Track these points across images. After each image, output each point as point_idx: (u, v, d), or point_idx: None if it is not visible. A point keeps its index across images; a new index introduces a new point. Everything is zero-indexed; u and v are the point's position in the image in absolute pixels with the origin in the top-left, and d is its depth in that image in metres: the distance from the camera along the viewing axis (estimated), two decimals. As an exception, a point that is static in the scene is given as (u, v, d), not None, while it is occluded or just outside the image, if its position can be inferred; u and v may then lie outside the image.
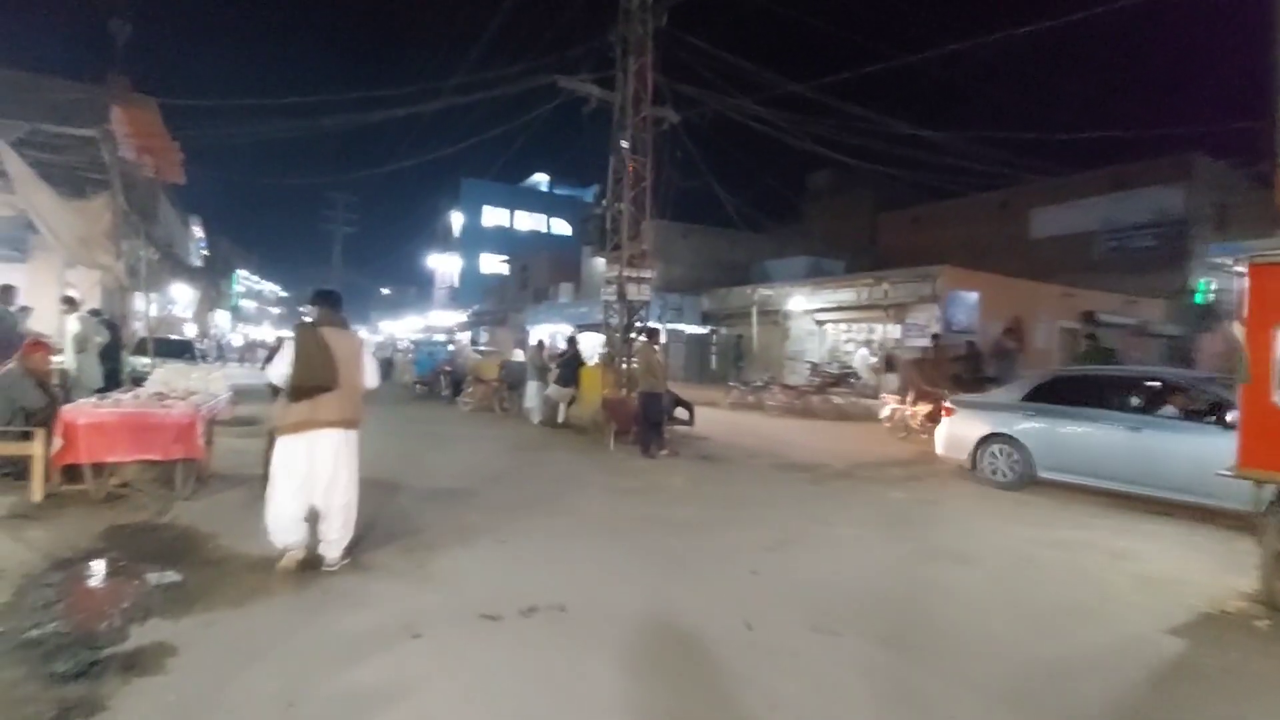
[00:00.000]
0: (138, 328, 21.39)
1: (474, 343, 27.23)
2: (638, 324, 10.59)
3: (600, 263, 23.80)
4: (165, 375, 6.36)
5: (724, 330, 21.46)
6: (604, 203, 10.65)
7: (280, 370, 3.98)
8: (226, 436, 7.67)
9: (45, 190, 6.16)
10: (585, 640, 3.35)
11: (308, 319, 4.25)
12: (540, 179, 45.52)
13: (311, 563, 4.11)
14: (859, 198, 28.73)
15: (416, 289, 48.14)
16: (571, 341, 11.84)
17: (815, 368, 16.70)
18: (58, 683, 2.67)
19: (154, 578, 3.87)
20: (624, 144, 10.25)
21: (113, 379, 8.68)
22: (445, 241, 43.08)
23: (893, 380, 16.74)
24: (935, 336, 15.69)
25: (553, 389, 11.25)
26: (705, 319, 21.56)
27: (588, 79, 10.28)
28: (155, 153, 10.65)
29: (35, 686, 2.63)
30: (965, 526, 5.96)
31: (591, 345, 14.09)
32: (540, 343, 13.79)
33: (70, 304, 8.58)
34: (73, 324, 8.38)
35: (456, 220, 41.82)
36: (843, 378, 15.71)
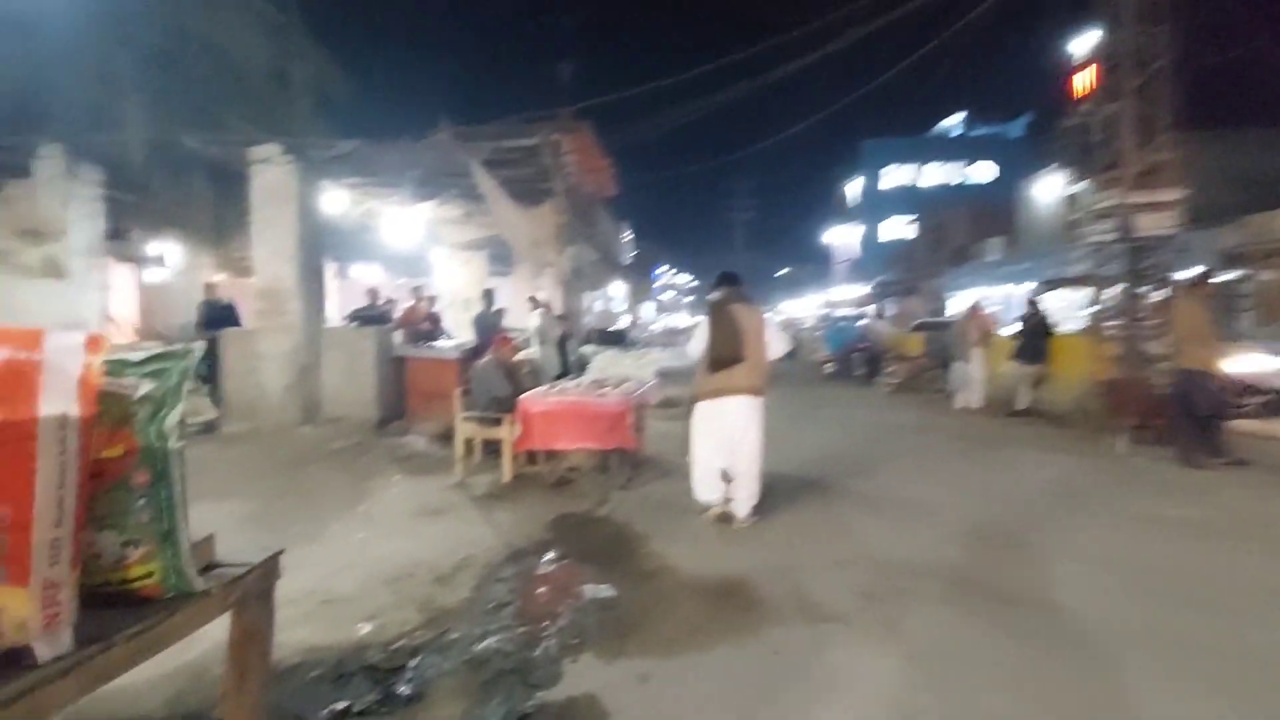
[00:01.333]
0: (588, 321, 25.65)
1: (879, 315, 25.13)
2: (1147, 269, 7.41)
3: (1044, 204, 19.03)
4: (602, 363, 6.58)
5: (1265, 275, 14.80)
6: (1087, 107, 7.74)
7: (697, 346, 4.53)
8: (655, 419, 7.82)
9: (505, 201, 6.90)
10: None
11: (716, 299, 4.67)
12: (952, 123, 40.09)
13: (726, 518, 4.51)
14: None
15: (815, 265, 47.87)
16: (1033, 305, 9.18)
17: None
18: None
19: (590, 590, 3.55)
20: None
21: (566, 367, 9.98)
22: (843, 212, 41.49)
23: None
24: None
25: (1010, 366, 8.87)
26: (1227, 260, 15.19)
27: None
28: (594, 171, 12.07)
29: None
30: None
31: (1056, 307, 10.91)
32: (973, 307, 11.17)
33: (534, 303, 10.05)
34: (534, 320, 9.78)
35: (854, 188, 39.82)
36: None
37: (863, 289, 33.39)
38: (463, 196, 9.02)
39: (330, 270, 17.89)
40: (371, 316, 7.70)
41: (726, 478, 4.46)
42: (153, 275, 13.91)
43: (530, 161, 7.52)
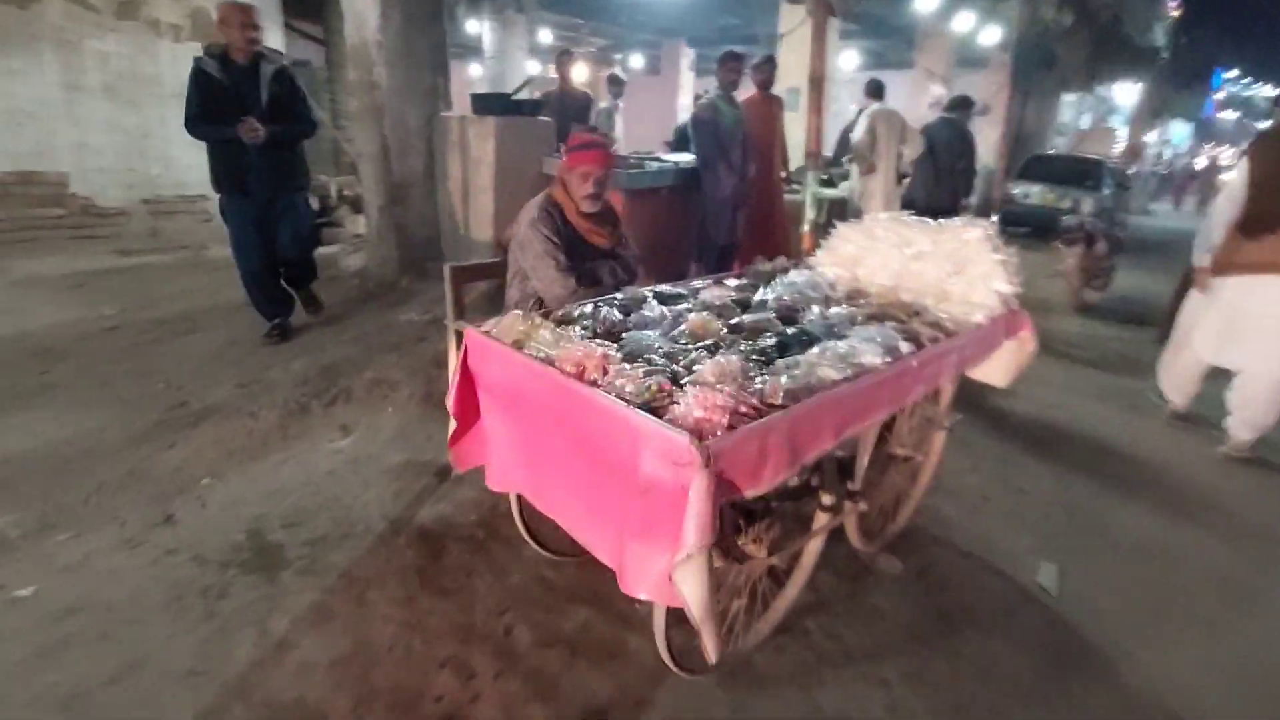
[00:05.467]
0: (1059, 145, 17.53)
1: None
2: None
3: None
4: (846, 236, 2.33)
5: None
6: None
7: (1220, 220, 3.13)
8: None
9: None
10: None
11: (1268, 129, 3.29)
12: None
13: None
14: None
15: None
16: None
17: None
18: None
19: None
20: None
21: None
22: None
23: None
24: None
25: None
26: None
27: None
28: None
29: None
30: None
31: None
32: None
33: (874, 91, 5.44)
34: (861, 123, 5.29)
35: None
36: None
37: None
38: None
39: (687, 61, 14.96)
40: (518, 105, 4.44)
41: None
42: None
43: None
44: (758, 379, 1.46)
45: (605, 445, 1.41)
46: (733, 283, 2.33)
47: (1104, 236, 6.16)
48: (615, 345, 1.63)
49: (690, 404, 1.30)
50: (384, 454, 2.76)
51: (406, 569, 2.11)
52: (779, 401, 1.36)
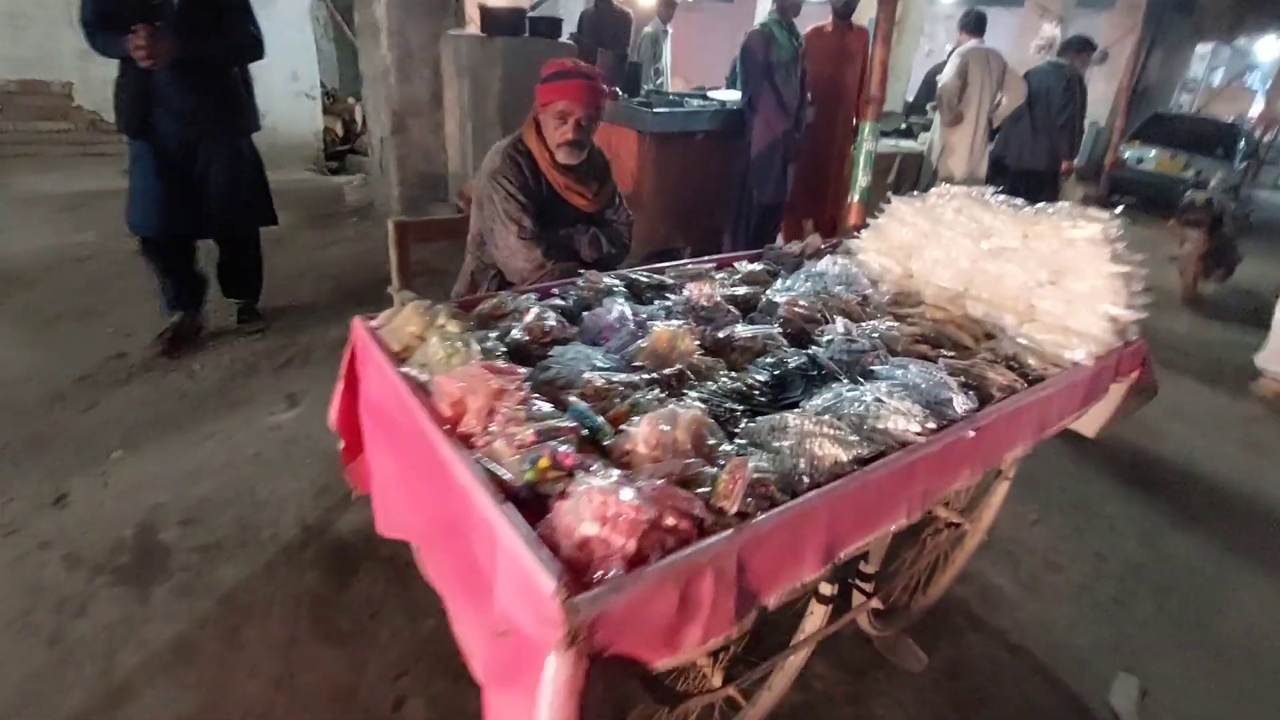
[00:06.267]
0: (1185, 100, 15.38)
1: None
2: None
3: None
4: (902, 216, 1.71)
5: None
6: None
7: None
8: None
9: None
10: None
11: None
12: None
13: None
14: None
15: None
16: None
17: None
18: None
19: None
20: None
21: (1042, 186, 4.60)
22: None
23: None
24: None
25: None
26: None
27: None
28: None
29: None
30: None
31: None
32: None
33: (973, 30, 4.55)
34: (951, 63, 4.44)
35: None
36: None
37: None
38: None
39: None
40: (533, 23, 3.72)
41: None
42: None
43: None
44: (720, 450, 0.95)
45: (469, 535, 0.94)
46: (747, 267, 1.78)
47: (1232, 217, 5.18)
48: (534, 368, 1.14)
49: (581, 505, 0.80)
50: (324, 435, 2.36)
51: (301, 598, 1.72)
52: (734, 509, 0.84)
